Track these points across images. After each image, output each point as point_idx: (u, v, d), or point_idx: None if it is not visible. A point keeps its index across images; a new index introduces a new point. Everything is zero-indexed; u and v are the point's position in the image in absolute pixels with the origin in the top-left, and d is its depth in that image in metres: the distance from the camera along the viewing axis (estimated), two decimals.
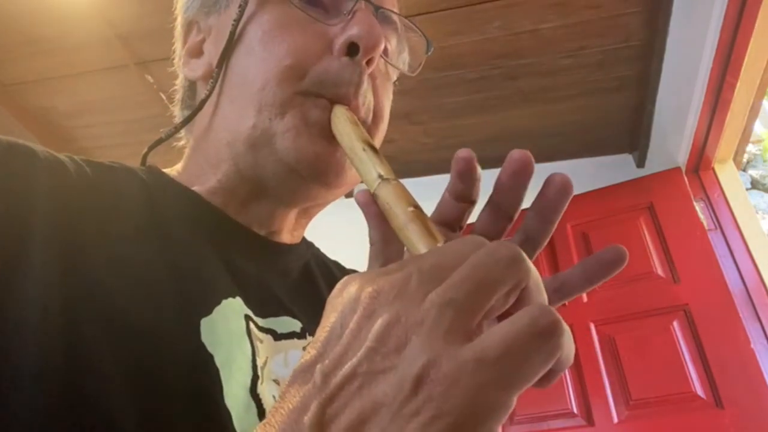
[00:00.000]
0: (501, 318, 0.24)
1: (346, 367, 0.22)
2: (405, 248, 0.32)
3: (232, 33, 0.45)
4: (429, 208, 0.35)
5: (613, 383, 1.70)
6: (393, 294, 0.23)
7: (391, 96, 0.53)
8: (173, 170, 0.51)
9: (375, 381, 0.21)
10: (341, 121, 0.41)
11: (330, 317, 0.24)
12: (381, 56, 0.48)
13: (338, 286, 0.26)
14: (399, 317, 0.22)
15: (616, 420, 1.65)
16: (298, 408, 0.22)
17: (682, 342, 1.66)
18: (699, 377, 1.59)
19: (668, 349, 1.66)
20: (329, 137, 0.43)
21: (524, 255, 0.24)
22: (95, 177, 0.42)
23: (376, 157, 0.36)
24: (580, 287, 0.35)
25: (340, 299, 0.25)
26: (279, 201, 0.47)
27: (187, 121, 0.49)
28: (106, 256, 0.36)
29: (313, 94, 0.43)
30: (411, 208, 0.31)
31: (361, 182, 0.37)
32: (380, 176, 0.34)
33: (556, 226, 0.33)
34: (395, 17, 0.50)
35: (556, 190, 0.32)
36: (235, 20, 0.45)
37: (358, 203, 0.35)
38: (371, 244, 0.36)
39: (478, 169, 0.34)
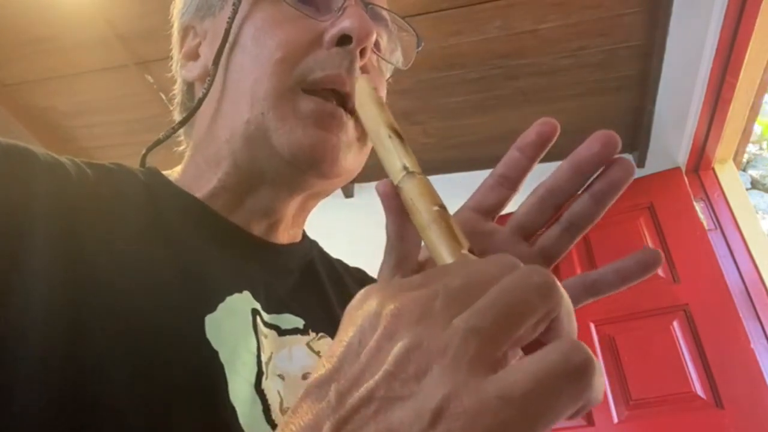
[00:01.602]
0: (528, 348, 0.23)
1: (363, 390, 0.21)
2: (423, 244, 0.31)
3: (227, 31, 0.46)
4: None
5: (613, 383, 1.70)
6: (416, 315, 0.22)
7: (384, 92, 0.53)
8: (173, 172, 0.51)
9: (392, 408, 0.20)
10: (366, 100, 0.39)
11: (348, 331, 0.23)
12: (374, 51, 0.48)
13: (358, 297, 0.25)
14: (421, 342, 0.21)
15: (616, 420, 1.65)
16: (310, 426, 0.21)
17: (682, 342, 1.66)
18: (699, 377, 1.59)
19: (668, 349, 1.66)
20: (323, 126, 0.43)
21: (558, 283, 0.23)
22: (95, 179, 0.42)
23: (402, 147, 0.34)
24: (614, 287, 0.34)
25: (360, 312, 0.23)
26: (278, 191, 0.47)
27: (185, 120, 0.50)
28: (108, 256, 0.36)
29: (305, 88, 0.44)
30: (436, 207, 0.29)
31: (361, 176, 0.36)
32: (405, 168, 0.32)
33: (605, 212, 0.33)
34: (386, 14, 0.51)
35: (622, 172, 0.32)
36: (229, 18, 0.46)
37: (379, 193, 0.33)
38: (387, 237, 0.35)
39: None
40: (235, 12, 0.46)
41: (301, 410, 0.22)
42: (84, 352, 0.31)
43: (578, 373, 0.20)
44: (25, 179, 0.36)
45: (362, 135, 0.47)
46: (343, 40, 0.44)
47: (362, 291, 0.25)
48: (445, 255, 0.27)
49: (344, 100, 0.44)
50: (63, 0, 1.62)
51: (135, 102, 1.99)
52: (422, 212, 0.30)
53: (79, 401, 0.30)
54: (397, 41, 0.55)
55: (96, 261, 0.35)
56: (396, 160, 0.33)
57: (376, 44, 0.50)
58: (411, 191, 0.31)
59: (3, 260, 0.32)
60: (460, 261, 0.26)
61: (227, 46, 0.46)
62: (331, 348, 0.23)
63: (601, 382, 0.22)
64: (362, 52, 0.44)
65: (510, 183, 0.37)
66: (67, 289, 0.33)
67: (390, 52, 0.54)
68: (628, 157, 2.22)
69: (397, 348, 0.21)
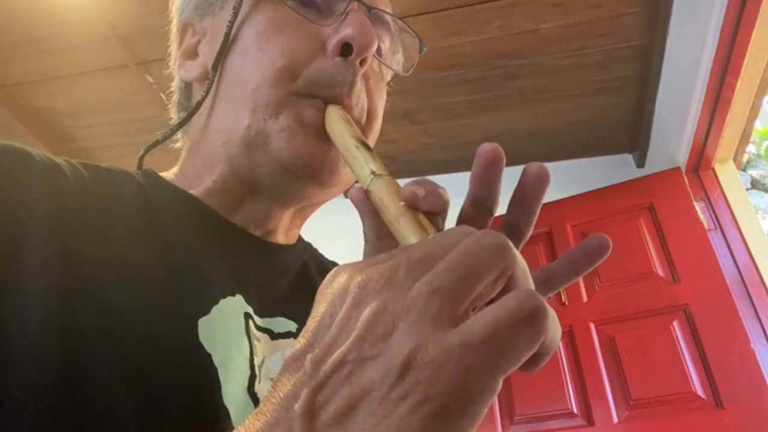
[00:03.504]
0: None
1: (336, 355, 0.22)
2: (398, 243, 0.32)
3: (227, 34, 0.45)
4: None
5: (613, 383, 1.70)
6: (381, 283, 0.23)
7: (384, 96, 0.53)
8: (170, 173, 0.51)
9: (363, 368, 0.22)
10: (335, 120, 0.42)
11: (320, 307, 0.25)
12: (374, 56, 0.48)
13: (328, 276, 0.26)
14: (387, 305, 0.22)
15: (616, 420, 1.65)
16: (288, 396, 0.23)
17: (682, 342, 1.66)
18: (699, 377, 1.60)
19: (668, 349, 1.66)
20: (323, 137, 0.43)
21: (510, 243, 0.24)
22: (92, 180, 0.42)
23: (368, 154, 0.36)
24: (566, 278, 0.35)
25: (329, 289, 0.25)
26: (274, 200, 0.47)
27: (183, 122, 0.49)
28: (103, 258, 0.36)
29: (307, 95, 0.43)
30: (402, 203, 0.31)
31: (356, 182, 0.37)
32: (372, 172, 0.34)
33: (536, 216, 0.33)
34: (388, 17, 0.51)
35: (532, 179, 0.32)
36: (229, 21, 0.45)
37: (352, 200, 0.35)
38: (365, 240, 0.36)
39: (501, 166, 0.33)
40: (235, 15, 0.45)
41: (279, 383, 0.24)
42: (78, 354, 0.31)
43: (531, 317, 0.21)
44: (21, 180, 0.36)
45: None
46: (345, 48, 0.44)
47: (332, 271, 0.26)
48: (413, 242, 0.29)
49: (351, 113, 0.44)
50: (63, 0, 1.62)
51: (135, 102, 1.99)
52: (390, 209, 0.31)
53: (73, 403, 0.30)
54: (399, 44, 0.55)
55: (90, 262, 0.35)
56: (364, 166, 0.35)
57: (378, 49, 0.50)
58: (379, 191, 0.33)
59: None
60: (423, 239, 0.28)
61: (228, 48, 0.46)
62: (306, 325, 0.25)
63: (557, 329, 0.24)
64: (363, 61, 0.44)
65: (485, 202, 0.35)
66: (61, 291, 0.33)
67: (391, 54, 0.54)
68: (628, 157, 2.23)
69: (365, 313, 0.22)
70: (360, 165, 0.36)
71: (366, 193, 0.34)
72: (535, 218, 0.34)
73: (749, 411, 1.50)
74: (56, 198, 0.37)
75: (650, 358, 1.68)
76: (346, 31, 0.43)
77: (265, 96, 0.43)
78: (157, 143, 0.50)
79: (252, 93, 0.44)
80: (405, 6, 1.57)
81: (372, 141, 0.49)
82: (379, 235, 0.35)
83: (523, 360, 0.22)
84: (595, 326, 1.81)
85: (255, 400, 0.38)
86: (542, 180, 0.32)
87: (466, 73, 1.86)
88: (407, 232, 0.30)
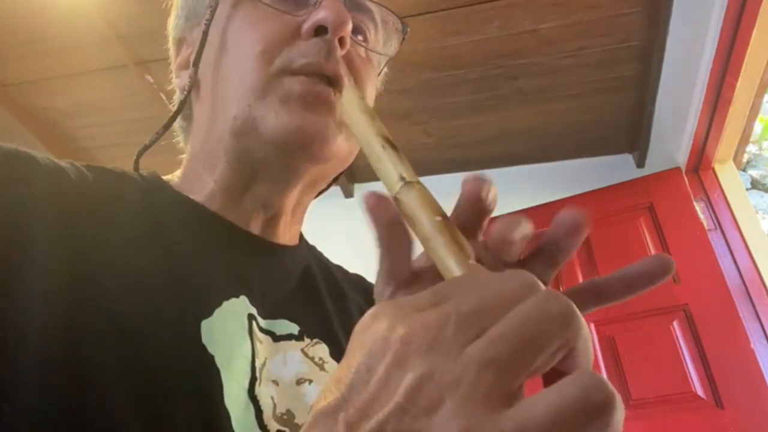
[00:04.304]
0: (543, 376, 0.22)
1: (373, 422, 0.20)
2: (425, 255, 0.31)
3: (204, 33, 0.47)
4: None
5: (613, 383, 1.66)
6: (427, 342, 0.20)
7: (375, 82, 0.53)
8: (174, 176, 0.52)
9: None
10: (355, 111, 0.39)
11: (355, 355, 0.22)
12: (359, 42, 0.49)
13: (365, 318, 0.23)
14: (433, 373, 0.20)
15: None
16: None
17: (682, 342, 1.66)
18: (699, 377, 1.60)
19: (668, 349, 1.66)
20: (310, 109, 0.43)
21: (577, 311, 0.21)
22: (95, 182, 0.42)
23: (396, 156, 0.32)
24: (618, 295, 0.32)
25: (367, 335, 0.22)
26: (273, 183, 0.48)
27: (168, 124, 0.51)
28: (107, 260, 0.37)
29: (288, 73, 0.44)
30: (438, 218, 0.28)
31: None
32: (402, 178, 0.31)
33: (575, 250, 0.31)
34: (370, 5, 0.51)
35: (565, 231, 0.29)
36: (206, 20, 0.47)
37: (367, 206, 0.31)
38: (379, 250, 0.33)
39: (490, 197, 0.30)
40: (212, 14, 0.47)
41: None
42: (81, 356, 0.31)
43: (599, 411, 0.18)
44: (26, 183, 0.37)
45: None
46: (320, 30, 0.44)
47: (370, 311, 0.24)
48: (452, 267, 0.26)
49: (331, 82, 0.44)
50: (63, 0, 1.62)
51: (135, 102, 1.99)
52: (425, 224, 0.28)
53: (77, 404, 0.30)
54: (390, 31, 0.55)
55: (94, 265, 0.36)
56: (392, 170, 0.32)
57: (363, 35, 0.51)
58: (411, 202, 0.30)
59: (3, 263, 0.32)
60: (469, 273, 0.25)
61: (214, 51, 0.48)
62: (338, 372, 0.22)
63: (621, 419, 0.20)
64: (341, 42, 0.45)
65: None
66: (65, 294, 0.33)
67: (382, 43, 0.54)
68: (628, 157, 2.23)
69: (408, 378, 0.20)
70: (387, 168, 0.32)
71: (395, 201, 0.31)
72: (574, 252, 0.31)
73: (749, 411, 1.50)
74: (60, 200, 0.38)
75: (650, 358, 1.68)
76: (319, 14, 0.44)
77: (248, 82, 0.44)
78: (146, 147, 0.51)
79: (236, 84, 0.45)
80: (405, 6, 1.57)
81: None
82: (392, 248, 0.31)
83: None
84: (595, 326, 1.81)
85: (255, 402, 0.38)
86: (577, 232, 0.29)
87: (466, 73, 1.86)
88: (445, 254, 0.27)
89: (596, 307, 0.32)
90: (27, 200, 0.36)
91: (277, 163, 0.46)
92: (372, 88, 0.52)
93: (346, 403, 0.21)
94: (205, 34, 0.47)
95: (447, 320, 0.21)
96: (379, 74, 0.57)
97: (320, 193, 0.56)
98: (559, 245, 0.30)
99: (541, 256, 0.32)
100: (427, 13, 1.61)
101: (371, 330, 0.22)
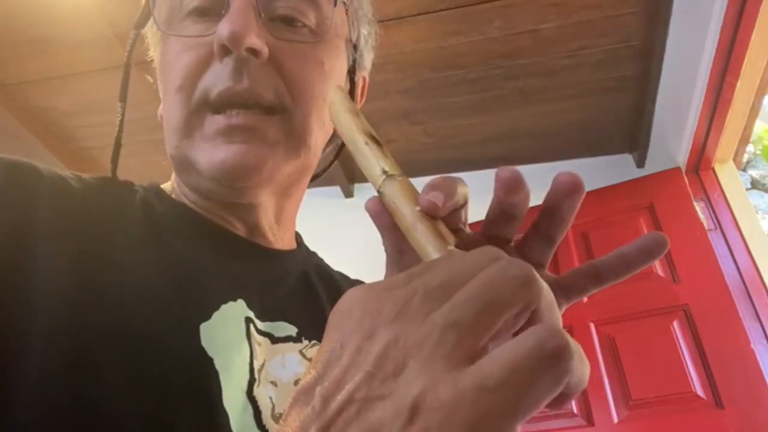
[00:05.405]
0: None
1: (344, 392, 0.21)
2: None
3: (125, 70, 0.52)
4: None
5: (613, 383, 1.70)
6: (394, 313, 0.22)
7: (321, 71, 0.47)
8: (168, 184, 0.53)
9: (372, 407, 0.20)
10: (339, 110, 0.39)
11: (331, 335, 0.23)
12: (293, 40, 0.45)
13: (342, 300, 0.24)
14: (398, 339, 0.21)
15: (616, 420, 1.65)
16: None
17: (682, 342, 1.66)
18: (699, 377, 1.59)
19: (668, 349, 1.66)
20: (233, 140, 0.42)
21: (537, 275, 0.22)
22: (98, 191, 0.44)
23: (379, 151, 0.33)
24: (617, 274, 0.33)
25: (341, 315, 0.24)
26: (234, 204, 0.48)
27: (115, 157, 0.52)
28: (110, 266, 0.38)
29: (208, 108, 0.43)
30: (418, 207, 0.29)
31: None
32: (385, 172, 0.32)
33: (570, 223, 0.32)
34: None
35: (563, 192, 0.30)
36: (127, 53, 0.50)
37: (369, 212, 0.33)
38: (387, 253, 0.34)
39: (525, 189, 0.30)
40: (130, 51, 0.51)
41: (290, 417, 0.22)
42: (84, 359, 0.32)
43: (554, 358, 0.19)
44: (30, 191, 0.38)
45: (292, 134, 0.45)
46: (225, 48, 0.42)
47: (346, 294, 0.24)
48: (431, 252, 0.27)
49: (248, 104, 0.43)
50: (63, 0, 1.62)
51: (135, 102, 1.98)
52: (405, 214, 0.29)
53: (78, 407, 0.30)
54: (354, 12, 0.51)
55: (97, 270, 0.37)
56: (375, 165, 0.33)
57: (299, 21, 0.46)
58: (392, 194, 0.31)
59: (9, 271, 0.33)
60: (444, 256, 0.26)
61: (161, 90, 0.49)
62: (317, 354, 0.24)
63: (584, 368, 0.22)
64: (254, 53, 0.42)
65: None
66: (69, 297, 0.34)
67: (330, 19, 0.47)
68: (628, 157, 2.23)
69: (375, 347, 0.21)
70: (370, 163, 0.33)
71: (378, 194, 0.32)
72: (569, 226, 0.32)
73: (749, 411, 1.50)
74: (64, 208, 0.39)
75: (650, 358, 1.68)
76: (219, 32, 0.41)
77: (174, 121, 0.45)
78: (114, 159, 0.53)
79: (168, 124, 0.47)
80: (404, 6, 1.57)
81: (311, 117, 0.46)
82: (401, 250, 0.33)
83: (544, 404, 0.20)
84: (595, 326, 1.81)
85: (253, 403, 0.39)
86: (575, 191, 0.30)
87: (465, 73, 1.86)
88: (424, 241, 0.28)
89: (597, 288, 0.33)
90: (32, 207, 0.37)
91: (226, 192, 0.46)
92: (310, 77, 0.46)
93: (322, 379, 0.22)
94: (126, 72, 0.53)
95: (414, 293, 0.22)
96: (356, 45, 0.52)
97: (315, 176, 0.57)
98: (557, 213, 0.31)
99: (537, 233, 0.32)
100: (427, 13, 1.61)
101: (345, 310, 0.24)
